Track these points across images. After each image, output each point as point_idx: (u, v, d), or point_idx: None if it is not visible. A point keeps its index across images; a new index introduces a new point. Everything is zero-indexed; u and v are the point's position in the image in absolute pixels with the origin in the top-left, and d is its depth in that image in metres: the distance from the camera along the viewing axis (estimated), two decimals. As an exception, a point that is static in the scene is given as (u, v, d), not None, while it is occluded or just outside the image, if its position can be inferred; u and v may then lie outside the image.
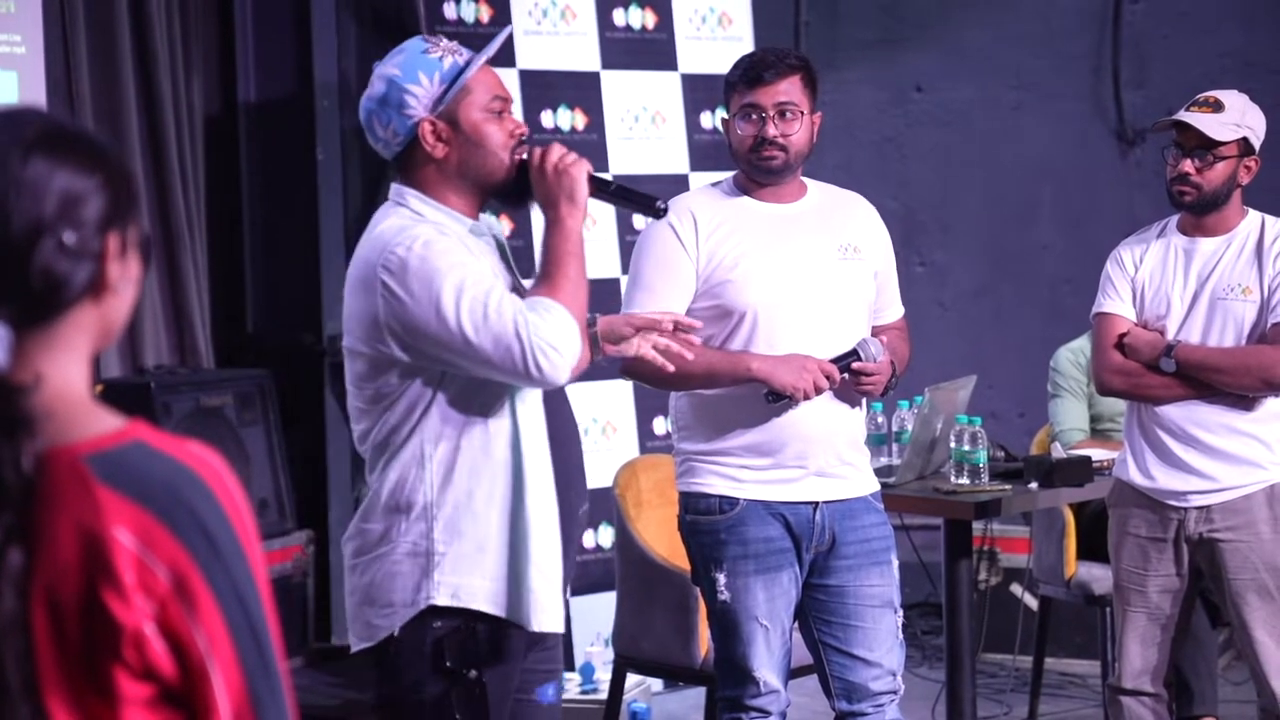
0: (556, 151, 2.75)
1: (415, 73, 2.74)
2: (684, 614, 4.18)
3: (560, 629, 2.72)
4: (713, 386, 3.51)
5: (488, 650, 2.67)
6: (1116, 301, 3.97)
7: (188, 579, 1.40)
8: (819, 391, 3.44)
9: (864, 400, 3.64)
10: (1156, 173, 6.58)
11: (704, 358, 3.43)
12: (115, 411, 1.46)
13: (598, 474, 5.41)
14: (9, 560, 1.35)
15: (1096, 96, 6.57)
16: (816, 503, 3.54)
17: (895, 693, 3.61)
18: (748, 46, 6.01)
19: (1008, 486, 4.31)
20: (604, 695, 4.66)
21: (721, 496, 3.54)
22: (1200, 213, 3.91)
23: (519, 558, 2.68)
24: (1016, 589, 5.78)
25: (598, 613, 5.31)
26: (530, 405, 2.73)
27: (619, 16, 5.78)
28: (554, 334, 2.61)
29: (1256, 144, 3.89)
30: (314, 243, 6.04)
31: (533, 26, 5.62)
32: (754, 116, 3.52)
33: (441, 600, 2.66)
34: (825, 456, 3.54)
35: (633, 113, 5.77)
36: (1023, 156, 6.62)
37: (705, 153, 5.89)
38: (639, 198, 2.95)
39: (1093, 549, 4.92)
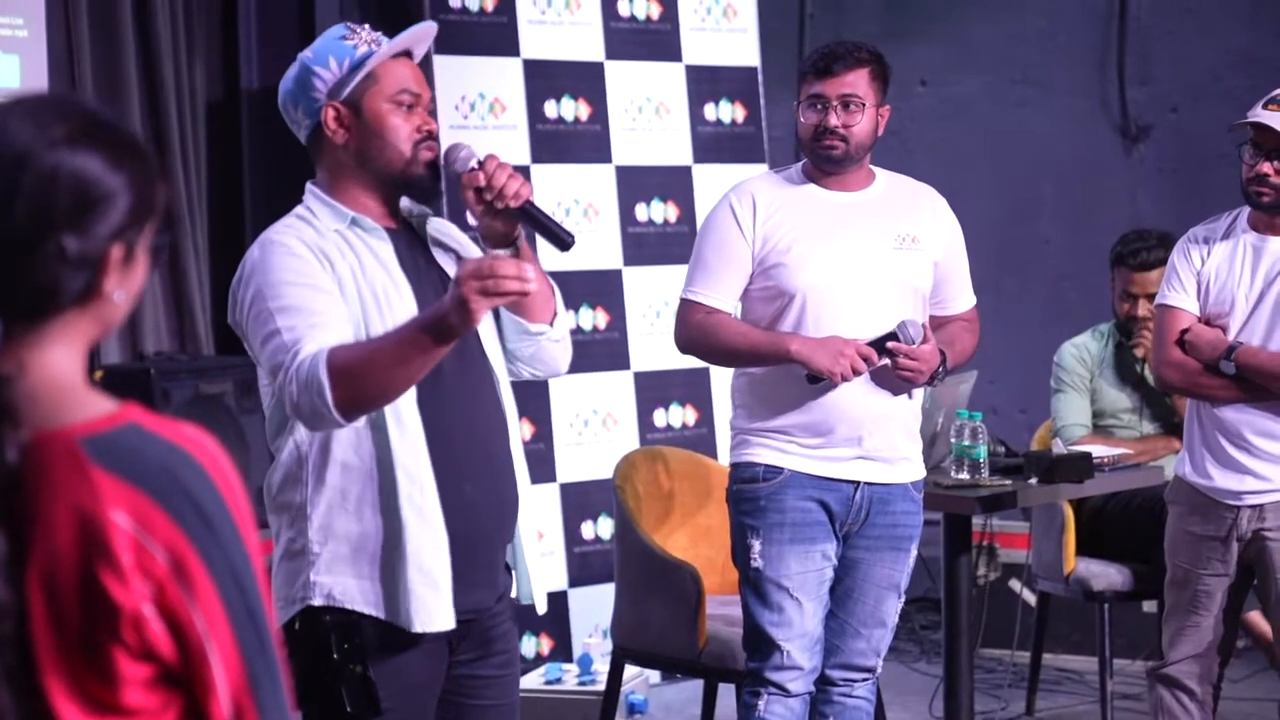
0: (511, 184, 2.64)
1: (326, 57, 2.72)
2: (683, 605, 4.16)
3: (447, 627, 2.58)
4: (757, 365, 3.62)
5: (376, 647, 2.58)
6: (1181, 295, 3.95)
7: (185, 560, 1.39)
8: (856, 373, 3.51)
9: (915, 389, 3.66)
10: (1160, 169, 6.59)
11: (749, 337, 3.59)
12: (109, 395, 1.44)
13: (598, 465, 5.42)
14: None
15: (1101, 92, 6.55)
16: (859, 483, 3.61)
17: (871, 672, 3.73)
18: (752, 38, 6.00)
19: (1008, 482, 4.30)
20: (602, 686, 4.65)
21: (766, 465, 3.61)
22: (1277, 213, 3.89)
23: (396, 558, 2.58)
24: (1015, 584, 5.77)
25: (596, 604, 5.31)
26: (403, 401, 2.57)
27: (623, 7, 5.77)
28: (302, 381, 2.48)
29: None
30: (315, 230, 6.02)
31: (537, 16, 5.60)
32: (818, 106, 3.60)
33: (317, 601, 2.58)
34: (876, 440, 3.60)
35: (636, 104, 5.75)
36: (1026, 151, 6.61)
37: (708, 144, 5.88)
38: (555, 226, 2.70)
39: (1092, 545, 4.92)
